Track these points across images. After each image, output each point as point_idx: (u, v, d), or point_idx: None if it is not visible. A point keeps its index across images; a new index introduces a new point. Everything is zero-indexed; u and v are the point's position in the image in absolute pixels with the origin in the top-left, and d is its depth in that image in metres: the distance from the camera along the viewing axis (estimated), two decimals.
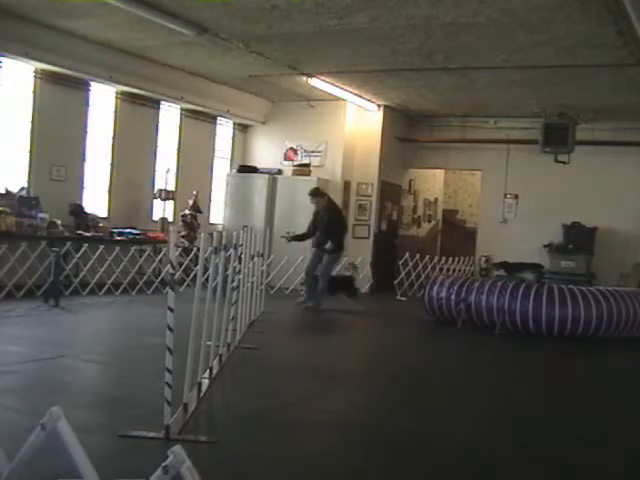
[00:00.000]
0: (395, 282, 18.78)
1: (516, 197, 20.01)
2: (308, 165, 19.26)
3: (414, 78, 15.94)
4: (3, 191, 13.68)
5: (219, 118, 19.54)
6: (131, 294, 14.89)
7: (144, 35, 13.58)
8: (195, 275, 6.89)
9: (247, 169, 19.63)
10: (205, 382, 7.10)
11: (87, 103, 15.62)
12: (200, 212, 17.85)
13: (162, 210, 17.23)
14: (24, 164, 14.42)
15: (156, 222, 17.14)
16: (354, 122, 19.70)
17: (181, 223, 17.28)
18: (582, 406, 8.00)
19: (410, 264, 18.85)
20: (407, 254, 18.95)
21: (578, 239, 18.58)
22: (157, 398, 5.57)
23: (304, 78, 16.38)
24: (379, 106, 19.52)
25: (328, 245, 15.05)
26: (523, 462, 5.72)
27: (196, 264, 14.44)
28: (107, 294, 14.43)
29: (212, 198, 19.65)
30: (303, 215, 18.47)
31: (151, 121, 17.38)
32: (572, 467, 5.69)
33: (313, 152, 19.50)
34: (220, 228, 18.38)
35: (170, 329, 5.34)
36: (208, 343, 7.17)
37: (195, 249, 16.07)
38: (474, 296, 13.24)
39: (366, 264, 18.96)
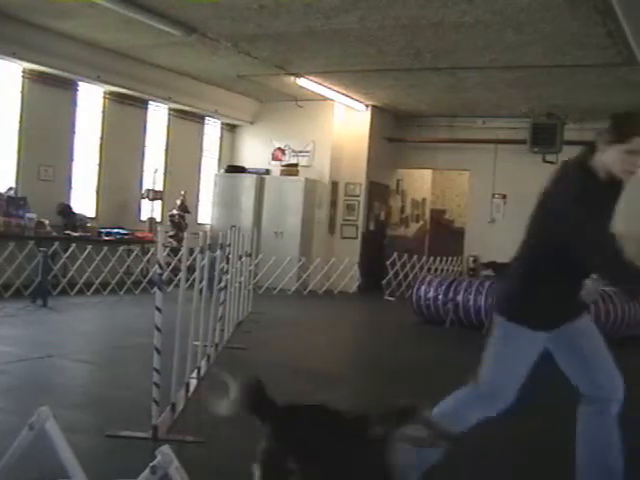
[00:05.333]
0: (383, 282, 18.78)
1: (504, 197, 20.04)
2: (296, 165, 19.26)
3: (402, 78, 15.95)
4: None
5: (207, 118, 19.51)
6: (119, 294, 14.84)
7: (132, 35, 13.56)
8: None
9: (235, 169, 19.61)
10: (193, 382, 7.10)
11: (75, 103, 15.58)
12: (188, 212, 17.82)
13: (150, 210, 17.21)
14: (12, 164, 14.36)
15: (144, 222, 17.10)
16: (342, 122, 19.69)
17: (169, 223, 17.25)
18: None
19: (398, 264, 18.86)
20: (395, 254, 18.95)
21: None
22: (145, 398, 5.56)
23: (292, 78, 16.36)
24: (367, 106, 19.53)
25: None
26: (521, 460, 5.73)
27: None
28: (95, 294, 14.38)
29: (200, 198, 19.61)
30: (291, 215, 18.55)
31: (139, 121, 17.34)
32: (571, 465, 5.70)
33: (301, 152, 19.50)
34: (208, 228, 18.36)
35: (158, 329, 5.34)
36: (195, 343, 7.17)
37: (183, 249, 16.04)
38: (462, 296, 13.26)
39: (354, 264, 19.00)
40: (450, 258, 20.25)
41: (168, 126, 18.30)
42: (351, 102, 18.98)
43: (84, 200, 15.99)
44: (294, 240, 18.65)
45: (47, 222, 14.17)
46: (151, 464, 2.88)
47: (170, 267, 15.20)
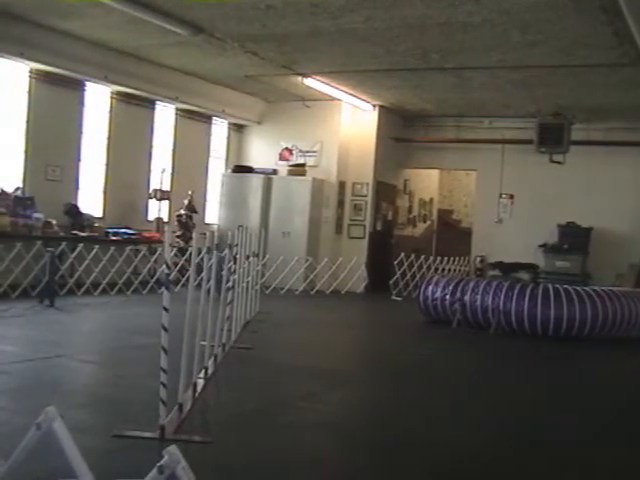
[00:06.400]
0: (390, 282, 18.77)
1: (511, 197, 20.02)
2: (303, 165, 19.26)
3: (409, 78, 15.94)
4: None
5: (214, 118, 19.53)
6: (126, 294, 14.85)
7: (139, 35, 13.58)
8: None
9: (242, 169, 19.63)
10: (200, 382, 7.10)
11: (82, 103, 15.60)
12: (195, 212, 17.84)
13: (157, 210, 17.22)
14: (19, 164, 14.39)
15: (151, 222, 17.11)
16: (349, 122, 19.71)
17: (176, 223, 17.27)
18: (578, 406, 8.01)
19: (405, 264, 18.85)
20: (402, 254, 18.94)
21: (573, 239, 18.58)
22: (152, 398, 5.57)
23: (299, 78, 16.38)
24: (374, 106, 19.53)
25: None
26: (520, 461, 5.73)
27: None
28: (102, 294, 14.40)
29: (207, 198, 19.63)
30: (299, 215, 18.57)
31: (146, 121, 17.36)
32: (570, 467, 5.70)
33: (308, 152, 19.51)
34: (215, 228, 18.38)
35: (165, 329, 5.35)
36: (202, 343, 7.17)
37: (190, 249, 16.06)
38: (469, 296, 13.24)
39: (361, 264, 19.01)
40: (457, 258, 20.24)
41: (175, 126, 18.31)
42: (358, 102, 18.99)
43: (91, 200, 16.00)
44: (301, 240, 18.67)
45: (54, 222, 14.19)
46: (158, 464, 2.88)
47: (177, 267, 15.23)
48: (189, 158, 18.70)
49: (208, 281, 7.30)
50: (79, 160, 15.63)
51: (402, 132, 20.92)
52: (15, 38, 13.16)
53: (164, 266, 5.66)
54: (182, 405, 6.05)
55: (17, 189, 14.01)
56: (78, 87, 15.40)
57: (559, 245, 18.73)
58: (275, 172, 19.49)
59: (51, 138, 14.78)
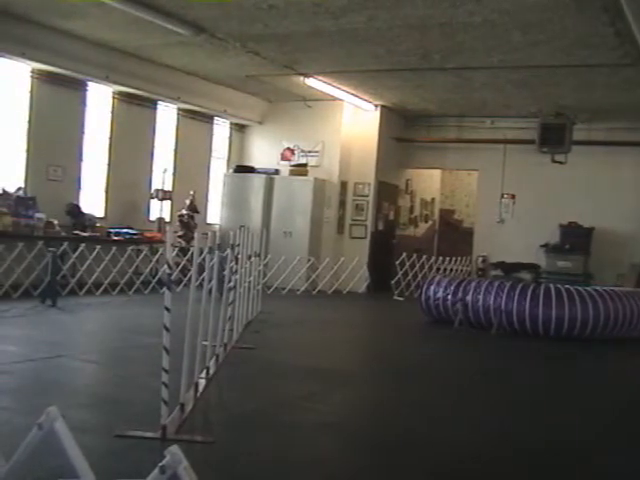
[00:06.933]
0: (392, 282, 18.76)
1: (513, 197, 20.01)
2: (305, 165, 19.26)
3: (411, 78, 15.94)
4: (0, 191, 13.67)
5: (216, 118, 19.53)
6: (128, 294, 14.86)
7: (141, 35, 13.58)
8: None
9: (244, 169, 19.62)
10: (202, 382, 7.10)
11: (84, 103, 15.61)
12: (197, 212, 17.83)
13: (159, 210, 17.23)
14: (21, 164, 14.40)
15: (153, 222, 17.12)
16: (351, 122, 19.70)
17: (178, 223, 17.26)
18: (579, 406, 8.01)
19: (407, 264, 18.84)
20: (404, 254, 18.93)
21: (575, 239, 18.58)
22: (154, 398, 5.57)
23: (301, 78, 16.38)
24: (376, 106, 19.52)
25: None
26: (520, 461, 5.73)
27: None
28: (104, 294, 14.41)
29: (209, 198, 19.64)
30: (300, 215, 18.57)
31: (148, 121, 17.37)
32: (571, 467, 5.70)
33: (310, 152, 19.51)
34: (217, 228, 18.36)
35: (167, 329, 5.35)
36: (204, 343, 7.17)
37: (192, 249, 16.06)
38: (471, 296, 13.24)
39: (363, 264, 19.01)
40: (459, 258, 20.23)
41: (177, 126, 18.32)
42: (360, 102, 18.98)
43: (93, 200, 16.01)
44: (303, 240, 18.68)
45: (56, 222, 14.19)
46: (160, 464, 2.88)
47: (179, 267, 15.23)
48: (191, 158, 18.71)
49: (210, 281, 7.31)
50: (81, 160, 15.64)
51: (404, 132, 20.92)
52: (17, 38, 13.17)
53: (166, 266, 5.65)
54: (184, 405, 6.05)
55: (19, 189, 14.01)
56: (80, 87, 15.41)
57: (561, 245, 18.73)
58: (277, 172, 19.48)
59: (53, 138, 14.79)
